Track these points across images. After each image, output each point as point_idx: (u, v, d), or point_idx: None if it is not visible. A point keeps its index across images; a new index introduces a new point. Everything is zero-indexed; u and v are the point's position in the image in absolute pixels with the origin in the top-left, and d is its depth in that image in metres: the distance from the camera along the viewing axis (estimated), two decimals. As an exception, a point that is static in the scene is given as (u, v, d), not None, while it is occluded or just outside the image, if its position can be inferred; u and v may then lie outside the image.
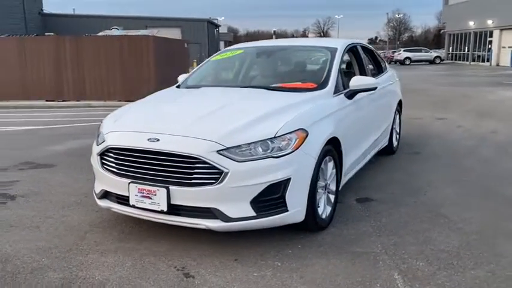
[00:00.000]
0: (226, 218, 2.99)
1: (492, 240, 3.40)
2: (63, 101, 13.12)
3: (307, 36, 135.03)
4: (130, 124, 3.45)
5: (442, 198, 4.36)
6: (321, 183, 3.52)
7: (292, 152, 3.11)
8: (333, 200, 3.76)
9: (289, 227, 3.35)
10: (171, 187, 3.03)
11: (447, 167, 5.50)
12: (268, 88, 3.99)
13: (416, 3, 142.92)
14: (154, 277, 2.89)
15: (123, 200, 3.27)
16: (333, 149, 3.63)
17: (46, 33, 27.82)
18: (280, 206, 3.08)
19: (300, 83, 4.14)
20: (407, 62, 41.46)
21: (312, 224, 3.40)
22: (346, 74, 4.51)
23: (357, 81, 4.11)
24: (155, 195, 3.07)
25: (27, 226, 3.75)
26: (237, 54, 4.91)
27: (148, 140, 3.13)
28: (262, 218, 3.05)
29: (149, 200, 3.10)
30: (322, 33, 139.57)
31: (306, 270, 2.96)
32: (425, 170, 5.37)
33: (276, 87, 4.01)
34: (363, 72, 4.93)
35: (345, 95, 4.08)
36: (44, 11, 36.55)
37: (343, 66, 4.85)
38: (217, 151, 2.97)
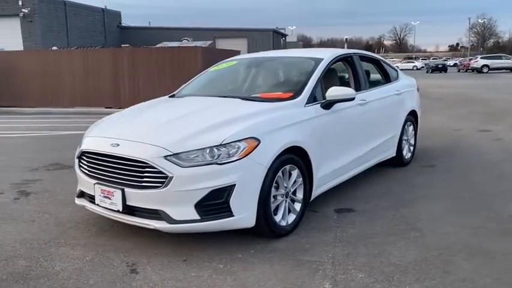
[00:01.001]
0: (171, 220, 3.19)
1: (452, 257, 3.28)
2: (119, 107, 14.08)
3: (383, 44, 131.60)
4: (103, 130, 3.78)
5: (427, 213, 4.22)
6: (280, 191, 3.61)
7: (239, 159, 3.24)
8: (298, 208, 3.82)
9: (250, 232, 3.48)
10: (126, 189, 3.29)
11: (453, 182, 5.26)
12: (243, 98, 4.13)
13: (504, 7, 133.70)
14: (104, 271, 3.15)
15: (92, 199, 3.59)
16: (297, 158, 3.69)
17: (122, 45, 29.85)
18: (225, 211, 3.22)
19: (281, 92, 4.24)
20: (485, 70, 38.94)
21: (266, 230, 3.50)
22: (333, 84, 4.51)
23: (334, 91, 4.13)
24: (113, 196, 3.35)
25: (24, 220, 4.21)
26: (230, 66, 5.10)
27: (110, 145, 3.43)
28: (206, 221, 3.21)
29: (109, 200, 3.39)
30: (398, 40, 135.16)
31: (243, 274, 3.07)
32: (429, 184, 5.19)
33: (251, 97, 4.15)
34: (357, 83, 4.91)
35: (321, 105, 4.12)
36: (123, 25, 39.20)
37: (334, 76, 4.88)
38: (164, 156, 3.19)
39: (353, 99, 4.22)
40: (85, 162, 3.65)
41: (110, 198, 3.38)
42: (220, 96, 4.31)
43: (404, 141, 5.94)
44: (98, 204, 3.50)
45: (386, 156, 5.53)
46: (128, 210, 3.33)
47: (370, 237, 3.67)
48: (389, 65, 5.95)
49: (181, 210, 3.18)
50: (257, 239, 3.59)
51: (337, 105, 4.27)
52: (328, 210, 4.33)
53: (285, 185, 3.65)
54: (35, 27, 29.30)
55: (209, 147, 3.21)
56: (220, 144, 3.23)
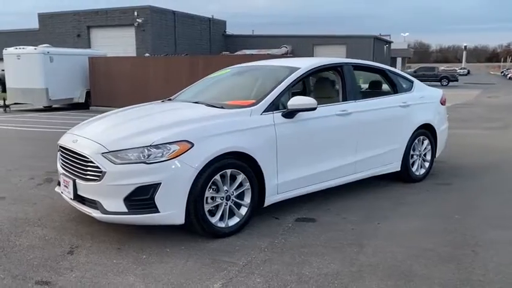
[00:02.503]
0: (104, 211, 3.56)
1: (366, 275, 3.17)
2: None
3: (511, 50, 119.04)
4: (77, 128, 4.30)
5: (388, 231, 4.04)
6: (220, 193, 3.78)
7: (168, 160, 3.50)
8: (244, 212, 3.95)
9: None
10: (76, 180, 3.75)
11: (455, 202, 4.90)
12: (208, 104, 4.36)
13: None
14: (49, 249, 3.62)
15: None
16: (241, 163, 3.83)
17: (223, 52, 31.49)
18: (150, 206, 3.50)
19: (253, 100, 4.37)
20: None
21: (199, 229, 3.70)
22: (323, 92, 4.53)
23: (294, 100, 4.17)
24: (69, 185, 3.83)
25: (29, 202, 4.90)
26: (223, 74, 5.34)
27: (72, 140, 3.93)
28: (133, 215, 3.52)
29: (67, 189, 3.88)
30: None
31: (156, 266, 3.32)
32: (422, 202, 4.90)
33: (214, 104, 4.34)
34: (344, 93, 4.85)
35: (282, 113, 4.19)
36: (227, 33, 41.23)
37: (325, 84, 4.89)
38: (102, 153, 3.57)
39: (314, 109, 4.21)
40: (59, 155, 4.21)
41: (67, 187, 3.87)
42: (193, 102, 4.59)
43: (416, 156, 5.64)
44: (62, 192, 4.02)
45: (386, 170, 5.32)
46: (79, 199, 3.78)
47: (305, 247, 3.67)
48: (400, 75, 5.69)
49: (113, 203, 3.53)
50: (196, 237, 3.81)
51: (305, 115, 4.30)
52: (289, 218, 4.36)
53: (226, 188, 3.81)
54: (146, 35, 32.23)
55: (140, 147, 3.52)
56: (151, 145, 3.52)
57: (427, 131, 5.72)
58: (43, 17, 35.23)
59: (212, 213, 3.78)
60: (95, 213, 3.62)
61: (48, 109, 16.73)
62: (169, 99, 5.26)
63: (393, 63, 55.18)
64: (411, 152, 5.55)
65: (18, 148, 8.98)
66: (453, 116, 13.81)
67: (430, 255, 3.52)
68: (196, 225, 3.67)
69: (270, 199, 4.16)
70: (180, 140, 3.58)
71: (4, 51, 16.16)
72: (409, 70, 47.90)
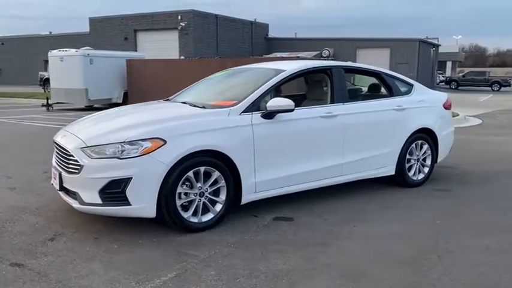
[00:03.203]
0: (81, 202, 3.82)
1: (315, 273, 3.23)
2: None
3: None
4: (71, 124, 4.60)
5: (361, 233, 4.06)
6: (194, 190, 3.95)
7: (140, 156, 3.70)
8: (219, 208, 4.09)
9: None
10: (62, 172, 4.04)
11: (446, 208, 4.82)
12: (192, 104, 4.54)
13: None
14: (35, 235, 3.92)
15: (56, 179, 4.44)
16: (216, 161, 3.98)
17: (264, 55, 31.71)
18: (122, 199, 3.71)
19: (236, 101, 4.50)
20: None
21: (171, 223, 3.88)
22: (315, 93, 4.60)
23: (273, 102, 4.27)
24: (56, 177, 4.13)
25: (34, 193, 5.26)
26: (220, 75, 5.50)
27: (62, 136, 4.23)
28: (107, 206, 3.75)
29: (55, 181, 4.18)
30: None
31: (122, 255, 3.53)
32: (408, 207, 4.84)
33: (198, 104, 4.52)
34: (332, 95, 4.89)
35: (261, 114, 4.29)
36: (269, 36, 41.48)
37: (317, 86, 4.96)
38: (81, 148, 3.84)
39: (292, 110, 4.29)
40: (54, 149, 4.53)
41: (55, 179, 4.17)
42: (181, 102, 4.79)
43: (413, 161, 5.56)
44: (52, 184, 4.33)
45: (379, 173, 5.29)
46: (64, 190, 4.06)
47: (271, 245, 3.76)
48: (398, 78, 5.63)
49: (89, 195, 3.78)
50: (171, 231, 3.99)
51: (286, 116, 4.39)
52: (268, 216, 4.45)
53: (199, 185, 3.97)
54: (189, 38, 33.09)
55: (115, 143, 3.75)
56: (125, 142, 3.74)
57: (426, 135, 5.62)
58: (93, 21, 36.99)
59: (186, 208, 3.95)
60: (75, 204, 3.88)
61: (88, 108, 17.56)
62: (167, 100, 5.49)
63: (442, 67, 53.36)
64: (407, 156, 5.48)
65: (48, 145, 9.55)
66: (489, 122, 13.31)
67: (392, 258, 3.52)
68: (168, 219, 3.85)
69: (247, 197, 4.28)
70: (153, 137, 3.77)
71: (49, 54, 17.16)
72: (459, 74, 46.20)
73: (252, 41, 39.10)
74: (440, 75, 48.95)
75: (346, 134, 4.86)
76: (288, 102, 4.27)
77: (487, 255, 3.56)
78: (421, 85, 5.90)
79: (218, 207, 4.10)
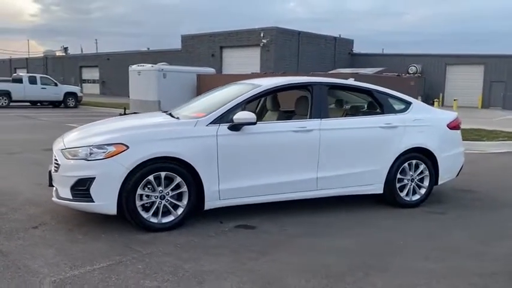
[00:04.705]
0: (58, 196, 4.38)
1: (229, 276, 3.41)
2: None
3: None
4: (70, 131, 5.23)
5: (305, 245, 4.13)
6: (155, 193, 4.32)
7: (104, 159, 4.17)
8: (180, 212, 4.41)
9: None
10: (51, 171, 4.65)
11: (417, 231, 4.67)
12: (171, 115, 4.95)
13: None
14: (23, 222, 4.54)
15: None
16: (177, 167, 4.32)
17: (337, 70, 31.37)
18: (87, 196, 4.19)
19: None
20: None
21: (131, 221, 4.29)
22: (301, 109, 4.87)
23: (238, 115, 4.51)
24: (48, 175, 4.76)
25: (39, 181, 5.98)
26: (221, 88, 5.80)
27: (58, 140, 4.87)
28: (75, 202, 4.26)
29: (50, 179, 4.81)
30: None
31: (78, 245, 3.99)
32: (385, 228, 4.74)
33: (174, 115, 4.93)
34: (311, 111, 4.99)
35: (228, 126, 4.56)
36: (354, 52, 41.01)
37: (303, 102, 5.14)
38: (61, 150, 4.41)
39: (254, 123, 4.50)
40: (57, 152, 5.20)
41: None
42: (166, 113, 5.23)
43: (406, 181, 5.40)
44: (48, 182, 4.99)
45: (363, 191, 5.24)
46: (52, 186, 4.67)
47: (212, 248, 3.99)
48: (392, 96, 5.52)
49: (63, 190, 4.32)
50: (134, 229, 4.38)
51: (255, 128, 4.61)
52: (232, 223, 4.66)
53: (161, 188, 4.33)
54: (270, 54, 33.98)
55: (86, 146, 4.27)
56: (93, 145, 4.24)
57: (422, 155, 5.43)
58: (185, 39, 39.57)
59: (148, 209, 4.33)
60: (54, 198, 4.46)
61: (161, 119, 18.98)
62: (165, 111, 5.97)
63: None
64: (399, 176, 5.34)
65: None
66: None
67: (317, 271, 3.56)
68: (129, 218, 4.27)
69: (210, 204, 4.55)
70: (117, 142, 4.23)
71: (129, 68, 18.86)
72: None
73: (335, 57, 38.94)
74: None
75: (322, 149, 4.92)
76: (250, 116, 4.49)
77: (421, 279, 3.45)
78: (423, 104, 5.72)
79: (179, 210, 4.42)
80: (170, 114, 5.10)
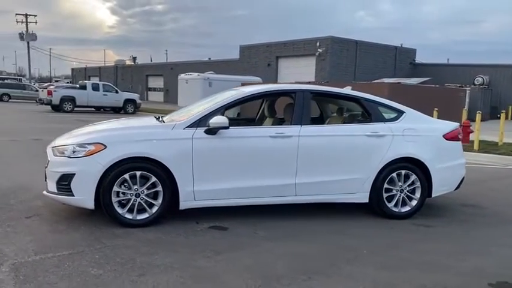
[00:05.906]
0: (47, 189, 4.78)
1: (171, 271, 3.56)
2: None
3: None
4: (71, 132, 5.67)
5: (264, 248, 4.18)
6: (131, 191, 4.59)
7: (83, 156, 4.51)
8: (154, 210, 4.65)
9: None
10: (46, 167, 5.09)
11: (389, 241, 4.55)
12: (157, 118, 5.22)
13: None
14: (23, 213, 4.99)
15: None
16: (152, 167, 4.57)
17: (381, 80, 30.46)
18: (68, 191, 4.53)
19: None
20: None
21: (108, 216, 4.58)
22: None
23: (214, 119, 4.67)
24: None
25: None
26: (219, 94, 5.98)
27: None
28: (59, 195, 4.63)
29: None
30: None
31: (54, 235, 4.33)
32: (359, 237, 4.67)
33: (159, 118, 5.20)
34: (293, 117, 5.05)
35: (204, 130, 4.73)
36: (416, 61, 39.62)
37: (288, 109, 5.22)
38: (52, 147, 4.82)
39: (227, 127, 4.64)
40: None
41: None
42: (156, 116, 5.52)
43: (395, 191, 5.26)
44: (47, 177, 5.44)
45: (346, 199, 5.19)
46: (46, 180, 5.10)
47: (174, 245, 4.16)
48: (382, 104, 5.40)
49: (51, 184, 4.71)
50: (111, 224, 4.66)
51: (231, 133, 4.76)
52: (206, 224, 4.81)
53: (136, 187, 4.60)
54: (325, 64, 33.76)
55: (70, 144, 4.64)
56: (76, 144, 4.60)
57: (413, 165, 5.27)
58: (243, 49, 40.35)
59: (124, 205, 4.60)
60: (44, 191, 4.87)
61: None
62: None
63: None
64: (387, 186, 5.22)
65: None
66: None
67: (262, 272, 3.63)
68: (105, 212, 4.56)
69: (185, 204, 4.74)
70: (96, 142, 4.55)
71: (178, 77, 19.67)
72: None
73: (396, 66, 37.84)
74: None
75: (301, 156, 4.94)
76: (223, 120, 4.64)
77: (360, 286, 3.40)
78: (418, 113, 5.54)
79: (154, 209, 4.66)
80: (158, 118, 5.39)
